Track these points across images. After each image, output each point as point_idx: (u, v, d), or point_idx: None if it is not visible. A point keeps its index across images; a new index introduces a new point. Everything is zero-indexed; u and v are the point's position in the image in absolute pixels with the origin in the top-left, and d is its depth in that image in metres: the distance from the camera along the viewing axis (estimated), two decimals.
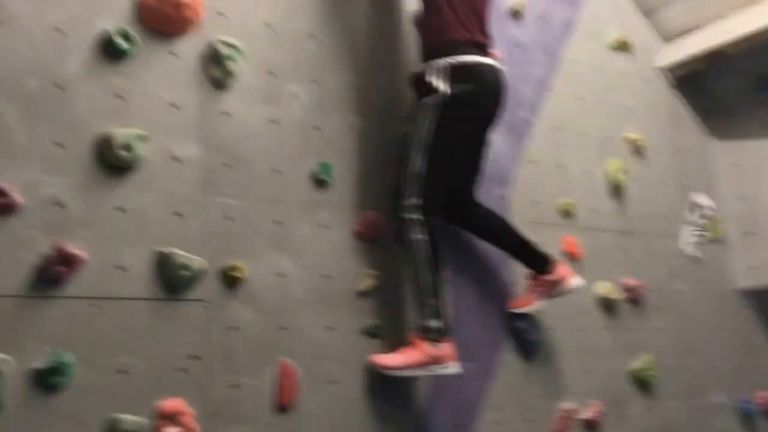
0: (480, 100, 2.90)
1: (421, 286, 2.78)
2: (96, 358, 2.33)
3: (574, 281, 3.22)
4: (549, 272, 3.18)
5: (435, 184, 2.85)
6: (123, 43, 2.54)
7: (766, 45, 3.96)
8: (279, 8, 2.96)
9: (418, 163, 2.81)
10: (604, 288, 3.62)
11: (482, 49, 2.94)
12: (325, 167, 2.90)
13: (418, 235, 2.79)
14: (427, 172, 2.81)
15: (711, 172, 4.34)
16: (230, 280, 2.61)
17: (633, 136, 3.98)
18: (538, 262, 3.20)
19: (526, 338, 3.28)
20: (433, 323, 2.76)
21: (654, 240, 3.95)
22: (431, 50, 2.93)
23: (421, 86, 2.90)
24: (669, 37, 4.29)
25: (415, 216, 2.80)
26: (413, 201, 2.80)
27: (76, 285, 2.34)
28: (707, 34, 4.13)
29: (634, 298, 3.74)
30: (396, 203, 2.85)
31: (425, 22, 2.99)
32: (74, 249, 2.32)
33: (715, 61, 4.11)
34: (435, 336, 2.76)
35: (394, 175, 2.90)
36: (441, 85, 2.84)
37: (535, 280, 3.22)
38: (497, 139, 3.40)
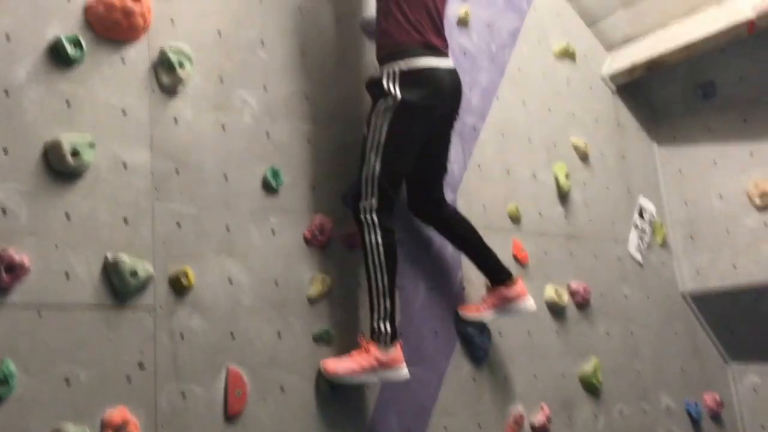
0: (433, 103, 2.91)
1: (375, 287, 2.80)
2: (41, 367, 2.29)
3: (529, 304, 3.20)
4: (507, 286, 3.20)
5: (390, 186, 2.87)
6: (73, 50, 2.52)
7: (704, 54, 4.08)
8: (230, 16, 2.96)
9: (373, 165, 2.84)
10: (553, 292, 3.67)
11: (436, 50, 2.95)
12: (275, 173, 2.90)
13: (375, 237, 2.81)
14: (383, 174, 2.83)
15: (655, 177, 4.44)
16: (178, 287, 2.59)
17: (578, 141, 4.05)
18: (498, 274, 3.22)
19: (475, 343, 3.30)
20: (385, 326, 2.77)
21: (600, 244, 4.02)
22: (384, 54, 2.95)
23: (376, 90, 2.92)
24: (611, 46, 4.40)
25: (371, 217, 2.82)
26: (369, 203, 2.83)
27: (21, 293, 2.30)
28: (648, 43, 4.23)
29: (582, 302, 3.80)
30: (353, 205, 2.87)
31: (379, 26, 2.99)
32: (19, 256, 2.29)
33: (656, 69, 4.22)
34: (385, 339, 2.77)
35: (349, 179, 2.93)
36: (393, 89, 2.86)
37: (491, 291, 3.25)
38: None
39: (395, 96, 2.85)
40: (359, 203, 2.85)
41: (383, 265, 2.80)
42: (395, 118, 2.84)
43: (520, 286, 3.21)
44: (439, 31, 3.00)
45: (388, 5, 2.94)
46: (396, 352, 2.79)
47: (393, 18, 2.91)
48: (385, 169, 2.84)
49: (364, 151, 2.87)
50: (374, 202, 2.83)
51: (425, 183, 3.13)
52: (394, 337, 2.79)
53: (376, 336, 2.78)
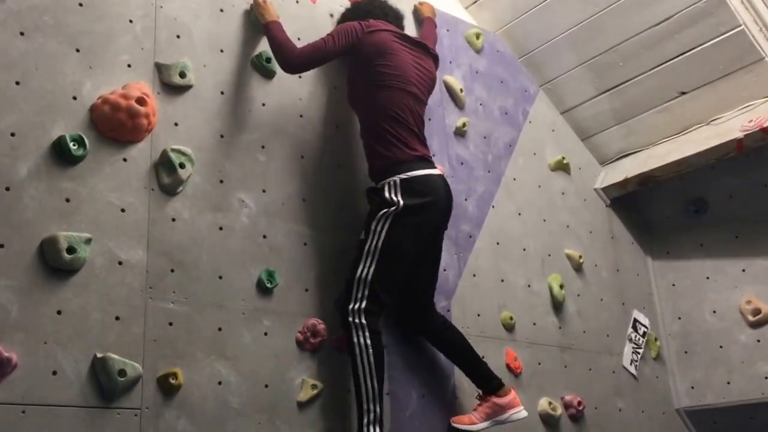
0: (431, 208, 3.00)
1: (364, 392, 2.77)
2: None
3: (520, 412, 3.17)
4: (499, 395, 3.16)
5: (384, 289, 2.90)
6: (76, 148, 2.56)
7: (695, 170, 4.16)
8: (232, 120, 3.02)
9: (367, 268, 2.87)
10: (546, 405, 3.61)
11: (427, 161, 3.07)
12: (270, 274, 2.90)
13: (364, 339, 2.80)
14: (375, 277, 2.86)
15: (649, 290, 4.45)
16: (167, 388, 2.54)
17: (573, 252, 4.08)
18: (489, 382, 3.19)
19: None
20: (374, 431, 2.72)
21: (595, 356, 3.98)
22: (380, 170, 3.04)
23: (377, 198, 2.99)
24: (605, 159, 4.50)
25: (361, 320, 2.82)
26: (360, 305, 2.83)
27: (6, 389, 2.26)
28: (640, 158, 4.33)
29: (576, 415, 3.73)
30: (342, 309, 2.86)
31: (369, 146, 3.11)
32: (7, 352, 2.26)
33: (648, 183, 4.29)
34: None
35: (343, 283, 2.93)
36: (395, 197, 2.94)
37: (483, 401, 3.19)
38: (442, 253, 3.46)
39: (398, 203, 2.92)
40: (348, 306, 2.85)
41: (372, 368, 2.79)
42: (395, 224, 2.91)
43: (512, 395, 3.18)
44: (423, 142, 3.13)
45: (374, 126, 3.07)
46: None
47: (382, 137, 3.03)
48: (378, 274, 2.87)
49: (360, 254, 2.90)
50: (364, 304, 2.84)
51: (417, 293, 3.15)
52: None
53: None
